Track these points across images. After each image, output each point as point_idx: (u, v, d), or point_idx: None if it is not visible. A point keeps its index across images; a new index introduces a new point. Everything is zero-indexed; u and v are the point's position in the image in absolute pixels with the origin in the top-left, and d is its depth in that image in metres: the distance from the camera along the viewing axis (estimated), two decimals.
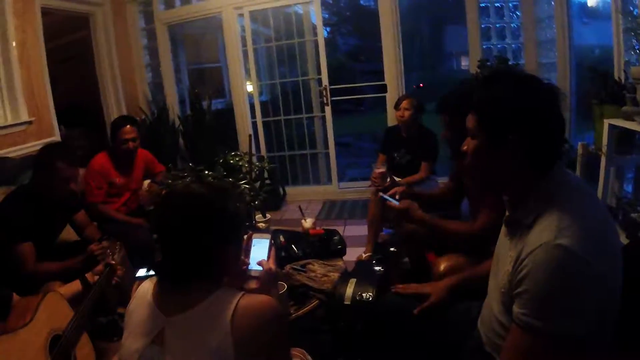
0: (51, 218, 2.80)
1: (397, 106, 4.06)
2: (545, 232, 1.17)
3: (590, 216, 1.20)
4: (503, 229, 1.46)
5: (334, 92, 5.59)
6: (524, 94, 1.27)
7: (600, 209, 1.30)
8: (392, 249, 3.64)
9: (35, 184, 2.72)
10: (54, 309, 1.89)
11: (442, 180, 4.23)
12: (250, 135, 5.04)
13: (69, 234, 3.15)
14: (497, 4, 5.00)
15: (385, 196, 2.49)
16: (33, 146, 4.02)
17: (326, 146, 5.83)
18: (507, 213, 1.42)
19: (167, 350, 1.21)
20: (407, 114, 3.97)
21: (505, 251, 1.37)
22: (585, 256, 1.12)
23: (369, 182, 3.85)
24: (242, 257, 1.70)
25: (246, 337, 1.18)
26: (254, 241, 1.75)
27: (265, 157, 5.89)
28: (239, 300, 1.22)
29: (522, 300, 1.18)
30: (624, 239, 2.82)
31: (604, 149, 3.08)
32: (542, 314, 1.14)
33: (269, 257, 1.69)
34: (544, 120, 1.25)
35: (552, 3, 4.31)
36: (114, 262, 2.29)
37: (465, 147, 1.39)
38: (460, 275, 1.95)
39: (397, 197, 2.49)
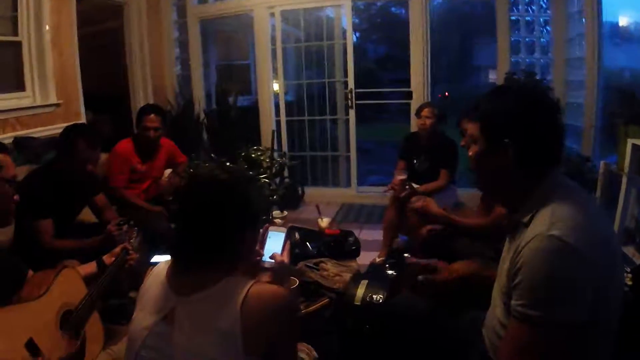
0: (70, 197, 2.85)
1: (418, 114, 4.04)
2: (539, 225, 1.23)
3: (582, 211, 1.25)
4: (507, 238, 1.49)
5: (359, 96, 5.60)
6: (522, 104, 1.36)
7: (593, 205, 1.37)
8: (406, 254, 3.63)
9: (56, 162, 2.78)
10: (68, 284, 1.92)
11: (462, 191, 4.21)
12: (273, 131, 5.07)
13: (88, 215, 3.21)
14: (528, 18, 4.98)
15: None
16: (59, 128, 4.01)
17: (348, 149, 5.83)
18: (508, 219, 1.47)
19: (175, 329, 1.22)
20: (428, 122, 3.96)
21: (506, 254, 1.43)
22: (577, 245, 1.16)
23: (387, 188, 3.87)
24: (257, 248, 1.72)
25: (255, 323, 1.19)
26: (270, 234, 1.76)
27: (287, 154, 5.91)
28: (251, 286, 1.23)
29: (518, 292, 1.22)
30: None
31: (626, 169, 3.05)
32: (537, 303, 1.17)
33: (283, 250, 1.71)
34: (534, 128, 1.32)
35: (584, 21, 4.26)
36: (130, 247, 2.32)
37: (470, 153, 1.47)
38: (475, 269, 1.90)
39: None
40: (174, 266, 1.33)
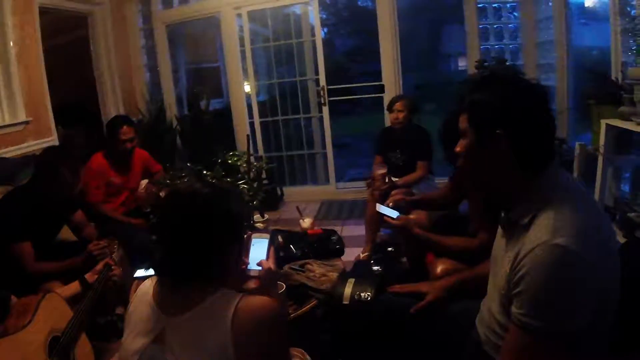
0: (49, 218, 2.81)
1: (390, 108, 4.04)
2: (541, 232, 1.19)
3: (584, 214, 1.21)
4: (499, 230, 1.47)
5: (331, 93, 5.59)
6: (511, 93, 1.30)
7: (593, 207, 1.32)
8: (390, 248, 3.65)
9: (35, 186, 2.72)
10: (53, 309, 1.89)
11: (440, 180, 4.23)
12: (248, 136, 5.03)
13: (68, 234, 3.15)
14: (495, 5, 5.02)
15: (383, 210, 2.51)
16: (31, 146, 4.01)
17: (324, 146, 5.83)
18: (502, 214, 1.42)
19: (167, 350, 1.21)
20: (401, 115, 3.96)
21: (502, 252, 1.38)
22: (582, 253, 1.13)
23: (367, 182, 3.87)
24: (242, 257, 1.71)
25: (246, 337, 1.19)
26: (253, 241, 1.75)
27: (264, 157, 5.89)
28: (239, 301, 1.22)
29: (520, 301, 1.19)
30: (621, 239, 2.83)
31: (601, 149, 3.10)
32: (540, 313, 1.15)
33: (268, 256, 1.69)
34: (530, 117, 1.28)
35: (551, 4, 4.31)
36: (111, 262, 2.29)
37: (458, 148, 1.42)
38: (458, 275, 1.97)
39: (390, 204, 2.50)
40: (160, 285, 1.32)
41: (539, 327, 1.14)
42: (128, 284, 2.56)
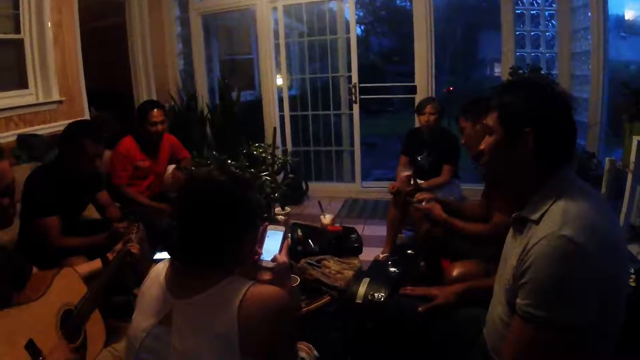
0: (75, 195, 2.86)
1: (420, 111, 4.02)
2: (550, 224, 1.23)
3: (594, 212, 1.24)
4: (510, 231, 1.49)
5: (363, 91, 5.58)
6: (540, 96, 1.36)
7: (604, 208, 1.33)
8: (409, 251, 3.62)
9: (61, 160, 2.77)
10: (67, 283, 1.91)
11: (466, 186, 4.19)
12: (274, 128, 5.05)
13: (92, 212, 3.22)
14: (533, 12, 4.92)
15: (412, 199, 2.61)
16: (63, 125, 4.03)
17: (352, 144, 5.82)
18: (514, 213, 1.44)
19: (173, 332, 1.23)
20: (432, 118, 3.95)
21: (510, 250, 1.42)
22: (588, 246, 1.16)
23: (392, 183, 3.85)
24: (256, 248, 1.71)
25: (252, 325, 1.19)
26: (268, 232, 1.75)
27: (290, 150, 5.91)
28: (248, 288, 1.23)
29: (525, 291, 1.22)
30: None
31: (632, 166, 3.02)
32: (544, 303, 1.17)
33: (281, 249, 1.70)
34: (557, 119, 1.33)
35: (589, 14, 4.21)
36: (131, 242, 2.32)
37: (482, 146, 1.47)
38: (470, 283, 1.99)
39: (423, 203, 2.53)
40: (172, 268, 1.33)
41: (543, 317, 1.16)
42: (147, 266, 2.60)
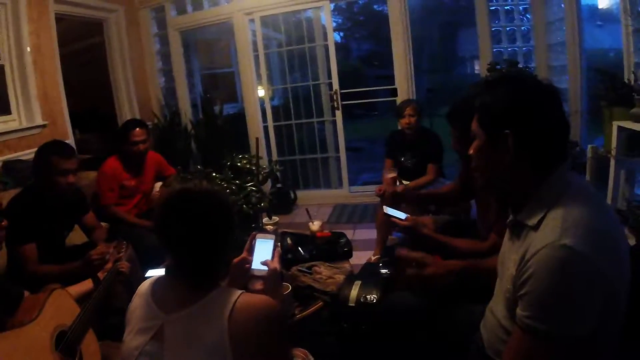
0: (56, 219, 2.83)
1: (401, 113, 4.05)
2: (549, 232, 1.17)
3: (594, 216, 1.19)
4: (507, 233, 1.45)
5: (344, 97, 5.61)
6: (521, 94, 1.29)
7: (604, 209, 1.29)
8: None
9: (36, 183, 2.75)
10: (60, 305, 1.92)
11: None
12: (257, 139, 5.07)
13: (82, 237, 3.20)
14: (507, 7, 4.99)
15: (390, 212, 2.50)
16: None
17: (337, 150, 5.84)
18: (510, 217, 1.40)
19: (166, 347, 1.23)
20: (413, 120, 3.99)
21: (509, 254, 1.36)
22: (590, 255, 1.11)
23: (379, 186, 3.86)
24: (246, 256, 1.73)
25: (243, 335, 1.20)
26: (258, 241, 1.77)
27: (276, 160, 5.92)
28: (237, 298, 1.24)
29: (525, 302, 1.17)
30: (633, 242, 2.79)
31: (613, 151, 3.06)
32: (545, 316, 1.13)
33: (273, 256, 1.71)
34: (539, 117, 1.26)
35: (562, 6, 4.27)
36: (120, 262, 2.32)
37: (471, 151, 1.42)
38: (467, 262, 1.87)
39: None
40: (159, 283, 1.34)
41: (543, 330, 1.12)
42: (138, 283, 2.59)
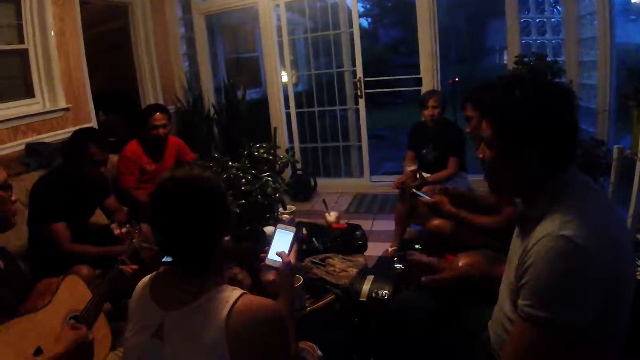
0: (82, 201, 2.88)
1: (423, 104, 3.99)
2: (550, 224, 1.20)
3: (595, 211, 1.22)
4: (515, 230, 1.47)
5: (368, 85, 5.55)
6: (534, 99, 1.28)
7: (606, 206, 1.31)
8: (417, 246, 3.61)
9: (67, 166, 2.80)
10: (72, 290, 1.95)
11: (473, 178, 4.16)
12: (275, 128, 5.06)
13: (98, 218, 3.25)
14: None
15: (418, 192, 2.59)
16: (70, 132, 4.09)
17: (359, 139, 5.80)
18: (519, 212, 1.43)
19: (166, 344, 1.23)
20: (436, 111, 3.92)
21: (515, 249, 1.40)
22: (588, 246, 1.14)
23: (397, 178, 3.83)
24: (264, 248, 1.73)
25: (240, 337, 1.18)
26: (278, 232, 1.76)
27: (298, 147, 5.91)
28: (237, 299, 1.22)
29: (525, 292, 1.20)
30: None
31: None
32: (544, 303, 1.15)
33: (290, 250, 1.70)
34: (553, 123, 1.26)
35: None
36: (122, 263, 2.34)
37: (480, 155, 1.42)
38: (477, 269, 1.91)
39: (431, 196, 2.53)
40: (158, 279, 1.34)
41: (543, 317, 1.14)
42: (156, 268, 2.63)
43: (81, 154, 2.71)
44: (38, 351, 1.63)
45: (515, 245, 1.41)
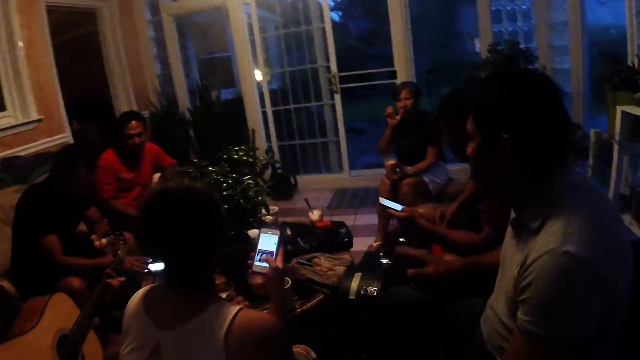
0: (68, 214, 2.87)
1: (396, 97, 4.00)
2: (551, 237, 1.15)
3: (596, 217, 1.17)
4: (509, 230, 1.43)
5: (343, 79, 5.55)
6: (519, 94, 1.24)
7: (606, 206, 1.27)
8: (401, 239, 3.62)
9: (53, 183, 2.77)
10: (59, 309, 1.93)
11: (453, 167, 4.19)
12: (253, 130, 5.03)
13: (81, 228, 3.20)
14: None
15: (386, 203, 2.50)
16: (44, 143, 4.09)
17: (337, 134, 5.80)
18: (512, 215, 1.39)
19: None
20: (409, 103, 3.93)
21: (511, 253, 1.35)
22: (593, 261, 1.09)
23: (382, 170, 3.84)
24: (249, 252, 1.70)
25: (240, 355, 1.16)
26: (262, 236, 1.73)
27: (276, 146, 5.89)
28: (235, 315, 1.20)
29: (526, 307, 1.16)
30: (636, 230, 2.76)
31: (617, 136, 3.00)
32: (546, 321, 1.12)
33: (277, 254, 1.67)
34: (537, 118, 1.22)
35: None
36: (112, 272, 2.32)
37: (469, 151, 1.38)
38: (465, 260, 1.84)
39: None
40: (153, 296, 1.31)
41: (544, 336, 1.12)
42: (143, 277, 2.61)
43: (69, 173, 2.71)
44: None
45: (511, 248, 1.37)
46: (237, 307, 1.23)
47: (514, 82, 1.29)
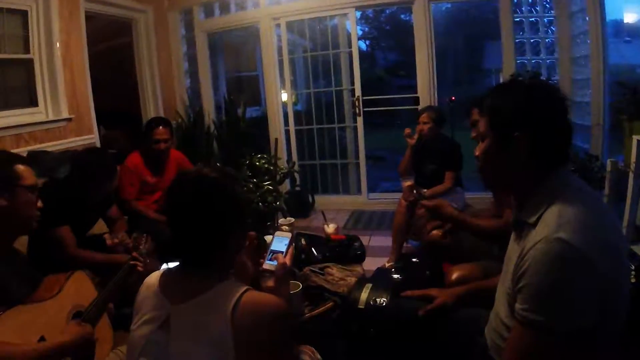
0: (84, 213, 2.92)
1: (417, 120, 4.08)
2: (546, 227, 1.21)
3: (590, 214, 1.22)
4: (512, 235, 1.47)
5: (366, 103, 5.63)
6: (532, 97, 1.33)
7: (601, 208, 1.32)
8: (414, 259, 3.63)
9: (71, 184, 2.83)
10: (80, 286, 1.97)
11: (470, 195, 4.20)
12: (276, 139, 5.09)
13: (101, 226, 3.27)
14: (532, 19, 4.95)
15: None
16: (72, 142, 4.22)
17: (357, 156, 5.85)
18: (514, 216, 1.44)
19: (172, 337, 1.25)
20: (426, 127, 3.99)
21: (512, 253, 1.40)
22: (584, 248, 1.13)
23: (399, 194, 3.88)
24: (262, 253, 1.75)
25: (246, 331, 1.20)
26: (276, 238, 1.79)
27: (297, 164, 5.95)
28: (242, 293, 1.24)
29: (522, 296, 1.20)
30: None
31: (632, 165, 3.01)
32: (541, 307, 1.15)
33: (286, 253, 1.72)
34: (548, 121, 1.30)
35: (587, 19, 4.24)
36: (138, 255, 2.36)
37: (477, 152, 1.46)
38: (471, 285, 1.96)
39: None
40: (167, 274, 1.36)
41: (541, 322, 1.14)
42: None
43: (88, 178, 2.78)
44: (41, 340, 1.65)
45: (512, 250, 1.42)
46: (246, 287, 1.27)
47: (527, 90, 1.36)
